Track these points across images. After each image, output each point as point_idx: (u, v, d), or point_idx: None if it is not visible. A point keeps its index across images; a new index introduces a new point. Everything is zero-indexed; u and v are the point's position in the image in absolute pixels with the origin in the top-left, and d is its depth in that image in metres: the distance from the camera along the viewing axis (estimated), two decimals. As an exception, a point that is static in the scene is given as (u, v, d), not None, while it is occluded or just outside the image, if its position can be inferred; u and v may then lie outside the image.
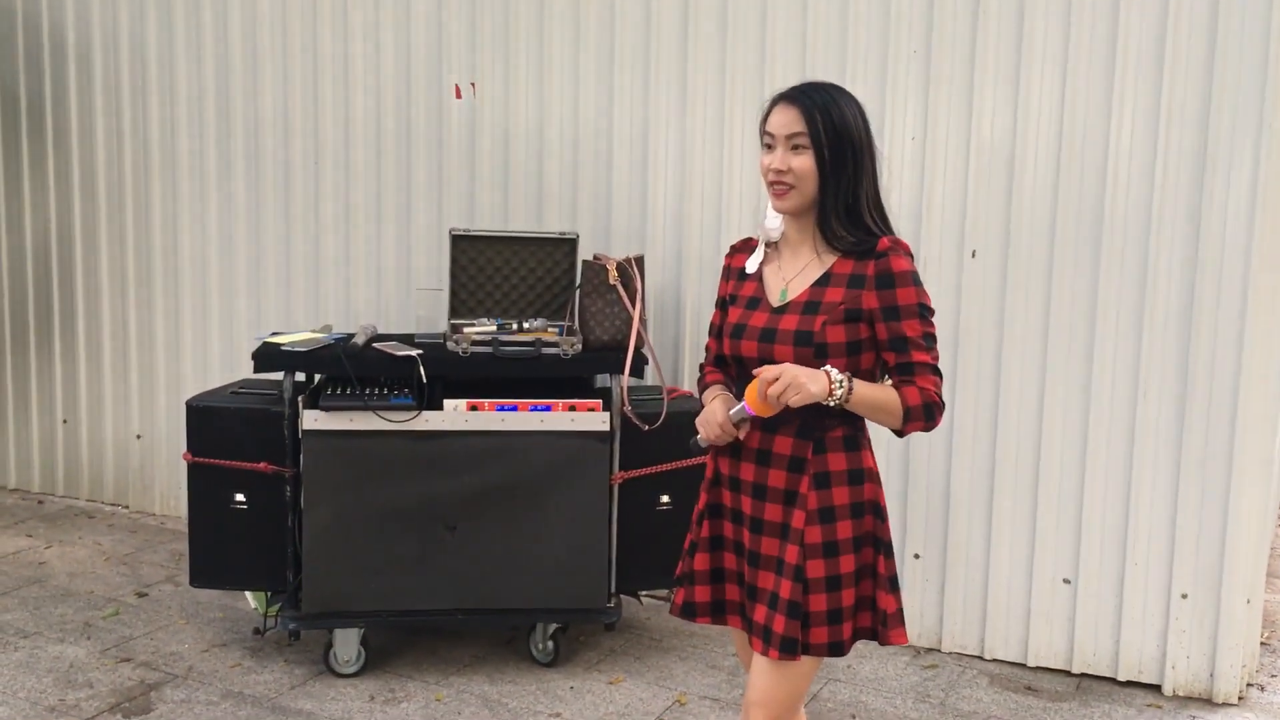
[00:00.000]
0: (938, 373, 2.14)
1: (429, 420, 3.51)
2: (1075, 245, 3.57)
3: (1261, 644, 3.88)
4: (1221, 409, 3.43)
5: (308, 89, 4.67)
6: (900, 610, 2.21)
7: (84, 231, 5.25)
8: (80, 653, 3.75)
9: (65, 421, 5.44)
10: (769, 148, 2.16)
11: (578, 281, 3.86)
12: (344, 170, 4.64)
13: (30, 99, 5.32)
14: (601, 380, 3.88)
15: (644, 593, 3.90)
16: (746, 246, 2.33)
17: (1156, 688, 3.61)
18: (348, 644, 3.59)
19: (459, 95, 4.42)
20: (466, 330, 3.77)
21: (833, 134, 2.11)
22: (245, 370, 4.04)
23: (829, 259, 2.17)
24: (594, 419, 3.55)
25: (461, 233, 3.86)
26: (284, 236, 4.79)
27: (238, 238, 4.89)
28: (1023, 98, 3.59)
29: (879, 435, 2.45)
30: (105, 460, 5.35)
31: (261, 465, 3.56)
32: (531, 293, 3.94)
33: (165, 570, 4.53)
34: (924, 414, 2.11)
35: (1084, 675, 3.71)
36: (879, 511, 2.20)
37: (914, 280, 2.12)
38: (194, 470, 3.63)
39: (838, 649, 2.16)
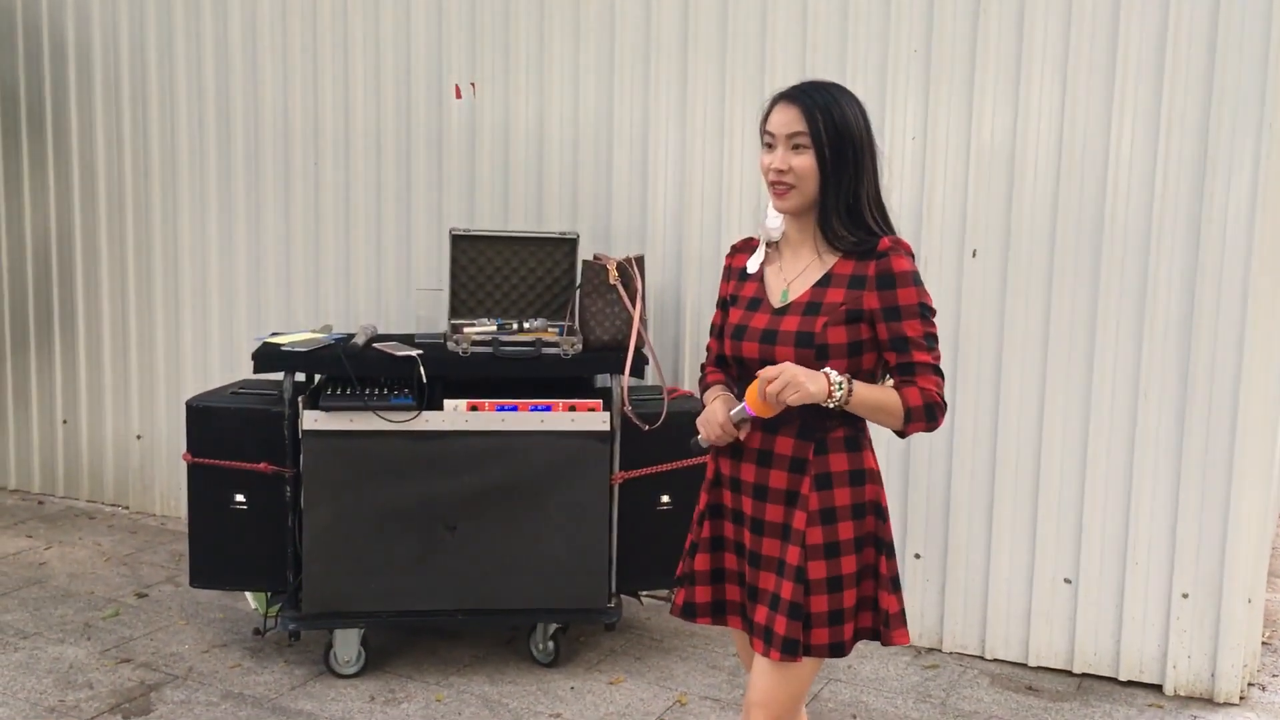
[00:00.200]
0: (939, 373, 2.13)
1: (429, 420, 3.50)
2: (1076, 246, 3.57)
3: (1263, 644, 3.88)
4: (1222, 409, 3.43)
5: (307, 89, 4.67)
6: (902, 610, 2.21)
7: (84, 232, 5.25)
8: (80, 653, 3.75)
9: (65, 422, 5.44)
10: (769, 147, 2.16)
11: (578, 281, 3.86)
12: (344, 170, 4.64)
13: (30, 100, 5.32)
14: (602, 380, 3.88)
15: (644, 593, 3.90)
16: (747, 246, 2.33)
17: (1158, 687, 3.61)
18: (348, 644, 3.59)
19: (459, 95, 4.42)
20: (467, 330, 3.77)
21: (834, 133, 2.10)
22: (245, 370, 4.03)
23: (830, 259, 2.17)
24: (594, 419, 3.54)
25: (462, 233, 3.86)
26: (284, 236, 4.79)
27: (238, 238, 4.89)
28: (1023, 98, 3.59)
29: (879, 435, 2.45)
30: (105, 461, 5.35)
31: (261, 465, 3.56)
32: (532, 293, 3.94)
33: (165, 571, 4.53)
34: (925, 414, 2.10)
35: (1085, 675, 3.70)
36: (880, 512, 2.20)
37: (915, 280, 2.11)
38: (194, 470, 3.62)
39: (839, 650, 2.15)
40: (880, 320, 2.11)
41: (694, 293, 4.14)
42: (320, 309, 4.74)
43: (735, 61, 3.97)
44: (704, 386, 2.35)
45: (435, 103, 4.45)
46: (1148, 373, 3.52)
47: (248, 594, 3.86)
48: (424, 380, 3.54)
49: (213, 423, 3.60)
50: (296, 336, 3.79)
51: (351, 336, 3.81)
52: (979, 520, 3.79)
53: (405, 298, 4.56)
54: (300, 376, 3.64)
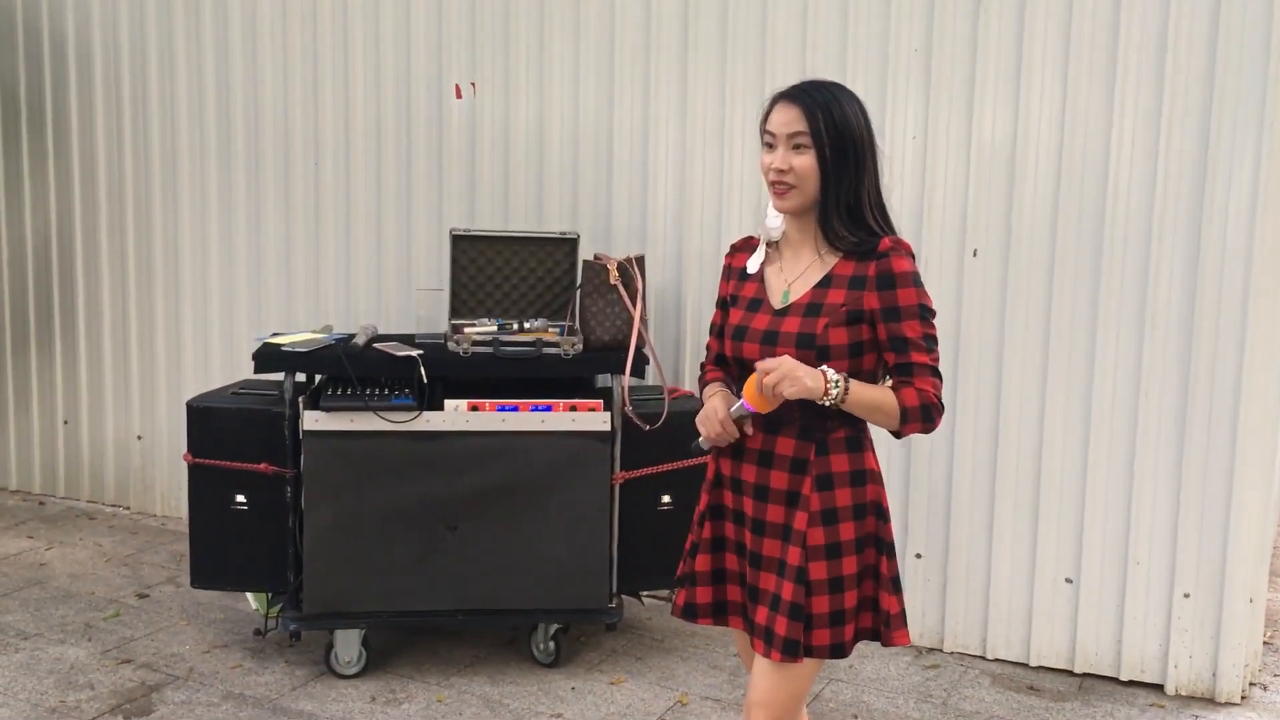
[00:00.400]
0: (937, 374, 2.12)
1: (430, 420, 3.50)
2: (1076, 246, 3.56)
3: (1264, 643, 3.88)
4: (1223, 408, 3.43)
5: (308, 90, 4.67)
6: (903, 611, 2.21)
7: (84, 232, 5.25)
8: (81, 654, 3.75)
9: (66, 422, 5.44)
10: (770, 147, 2.15)
11: (578, 281, 3.86)
12: (344, 170, 4.64)
13: (31, 99, 5.32)
14: (602, 380, 3.88)
15: (645, 593, 3.90)
16: (747, 245, 2.32)
17: (1159, 687, 3.61)
18: (349, 645, 3.58)
19: (459, 95, 4.41)
20: (467, 330, 3.77)
21: (834, 133, 2.09)
22: (246, 371, 4.03)
23: (831, 260, 2.16)
24: (595, 419, 3.54)
25: (462, 233, 3.86)
26: (284, 237, 4.79)
27: (238, 238, 4.89)
28: (1024, 98, 3.58)
29: (880, 435, 2.44)
30: (106, 461, 5.35)
31: (262, 466, 3.56)
32: (532, 293, 3.94)
33: (166, 571, 4.53)
34: (922, 415, 2.10)
35: (1086, 675, 3.70)
36: (881, 512, 2.19)
37: (915, 281, 2.11)
38: (195, 471, 3.62)
39: (839, 650, 2.15)
40: (880, 321, 2.11)
41: (694, 292, 4.14)
42: (321, 309, 4.74)
43: (735, 61, 3.97)
44: (703, 385, 2.34)
45: (435, 103, 4.45)
46: (1148, 372, 3.51)
47: (248, 594, 3.86)
48: (424, 380, 3.54)
49: (213, 423, 3.60)
50: (297, 337, 3.79)
51: (352, 337, 3.81)
52: (980, 520, 3.79)
53: (406, 298, 4.56)
54: (301, 377, 3.63)
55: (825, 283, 2.14)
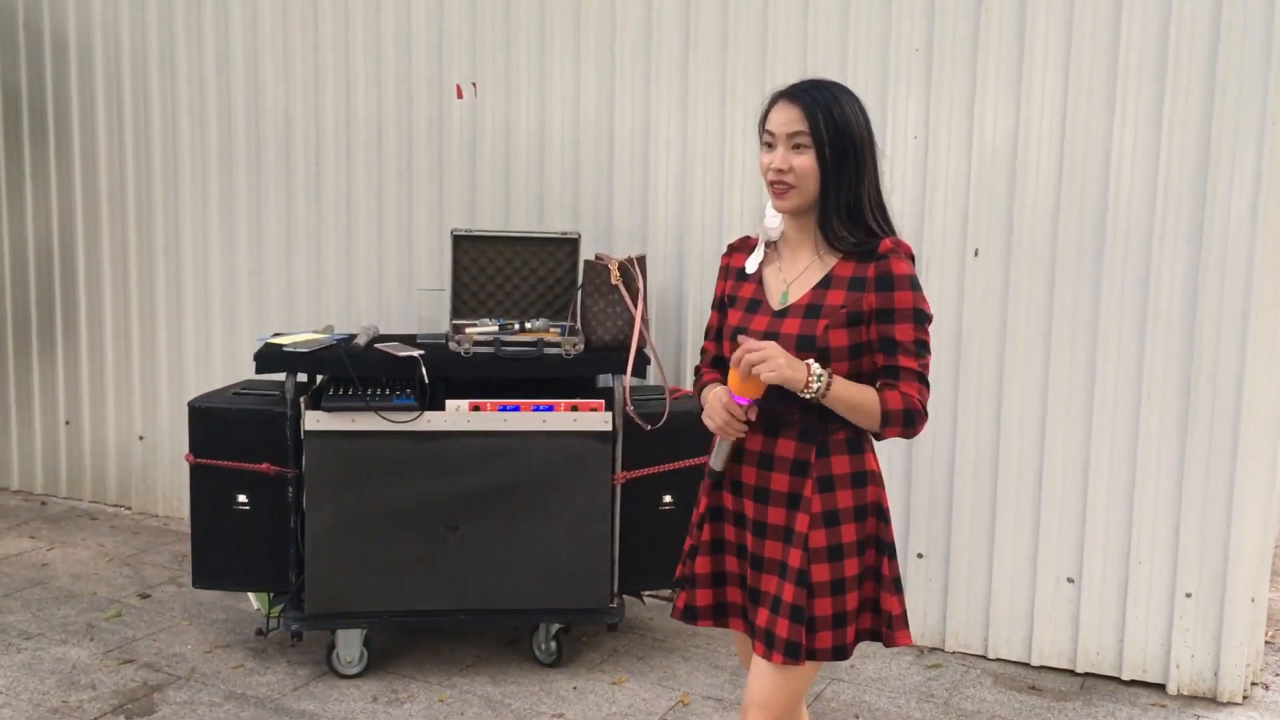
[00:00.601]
0: (924, 381, 2.10)
1: (431, 421, 3.50)
2: (1078, 245, 3.56)
3: (1266, 643, 3.87)
4: (1224, 408, 3.43)
5: (309, 90, 4.67)
6: (904, 612, 2.20)
7: (86, 233, 5.25)
8: (83, 654, 3.75)
9: (68, 423, 5.44)
10: (769, 146, 2.13)
11: (579, 281, 3.86)
12: (345, 171, 4.64)
13: (32, 100, 5.32)
14: (604, 380, 3.88)
15: (647, 593, 3.90)
16: (744, 246, 2.30)
17: (1161, 687, 3.61)
18: (350, 645, 3.59)
19: (460, 95, 4.42)
20: (468, 330, 3.77)
21: (834, 133, 2.08)
22: (247, 371, 4.03)
23: (830, 260, 2.15)
24: (596, 419, 3.54)
25: (463, 233, 3.86)
26: (286, 237, 4.79)
27: (240, 238, 4.89)
28: (1025, 97, 3.58)
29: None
30: (108, 461, 5.36)
31: (264, 466, 3.56)
32: (533, 293, 3.94)
33: (168, 571, 4.53)
34: (903, 420, 2.07)
35: (1088, 674, 3.70)
36: (882, 514, 2.19)
37: (913, 285, 2.09)
38: (196, 471, 3.63)
39: (841, 653, 2.14)
40: (874, 321, 2.09)
41: (696, 292, 4.14)
42: (322, 309, 4.75)
43: (736, 61, 3.97)
44: (699, 389, 2.32)
45: (436, 103, 4.45)
46: (1150, 372, 3.51)
47: (250, 594, 3.87)
48: (426, 381, 3.54)
49: (215, 423, 3.60)
50: (298, 337, 3.79)
51: (353, 337, 3.81)
52: (982, 519, 3.79)
53: (407, 298, 4.56)
54: (302, 377, 3.64)
55: (825, 284, 2.13)
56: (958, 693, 3.59)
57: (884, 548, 2.18)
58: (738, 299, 2.24)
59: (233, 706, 3.41)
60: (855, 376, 2.11)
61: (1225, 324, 3.40)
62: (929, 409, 2.13)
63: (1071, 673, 3.72)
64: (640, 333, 3.68)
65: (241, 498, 3.60)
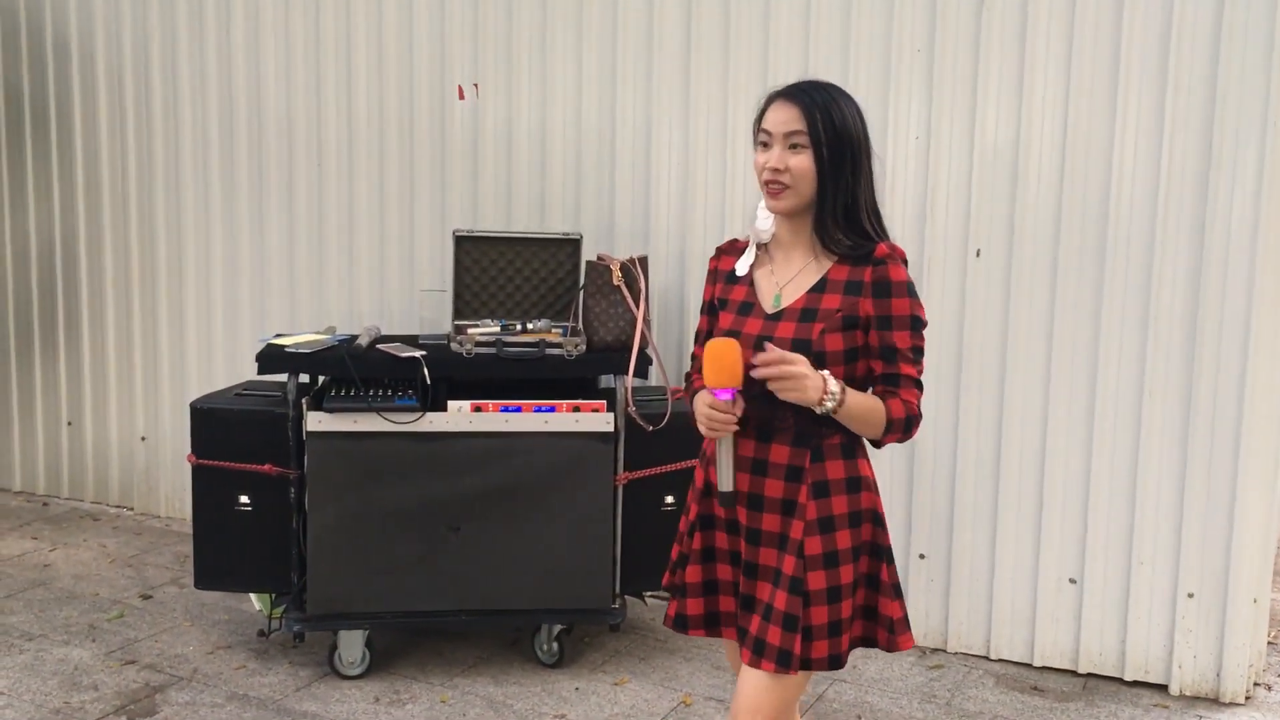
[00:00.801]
0: (920, 386, 2.11)
1: (433, 421, 3.50)
2: (1080, 245, 3.56)
3: (1269, 643, 3.87)
4: (1227, 408, 3.43)
5: (311, 90, 4.67)
6: (905, 616, 2.19)
7: (88, 233, 5.26)
8: (85, 655, 3.75)
9: (70, 424, 5.45)
10: (765, 146, 2.11)
11: (581, 282, 3.86)
12: (347, 171, 4.65)
13: (34, 101, 5.33)
14: (605, 381, 3.88)
15: (648, 594, 3.89)
16: (733, 249, 2.27)
17: (1163, 687, 3.60)
18: (352, 645, 3.59)
19: (462, 96, 4.42)
20: (470, 331, 3.77)
21: (832, 134, 2.06)
22: (249, 372, 4.04)
23: (825, 263, 2.13)
24: (598, 420, 3.54)
25: (465, 234, 3.86)
26: (287, 238, 4.79)
27: (241, 239, 4.89)
28: (1027, 97, 3.58)
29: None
30: (110, 462, 5.36)
31: (266, 467, 3.56)
32: (535, 293, 3.94)
33: (170, 572, 4.53)
34: (904, 426, 2.08)
35: (1090, 675, 3.70)
36: (878, 519, 2.16)
37: (910, 291, 2.08)
38: (198, 472, 3.63)
39: (836, 662, 2.11)
40: (873, 328, 2.08)
41: (697, 293, 4.14)
42: (324, 310, 4.75)
43: (738, 61, 3.97)
44: (691, 394, 2.25)
45: (438, 104, 4.46)
46: (1152, 372, 3.51)
47: (252, 595, 3.87)
48: (428, 381, 3.54)
49: (217, 424, 3.61)
50: (300, 338, 3.80)
51: (355, 338, 3.81)
52: (984, 520, 3.78)
53: (409, 299, 4.57)
54: (304, 378, 3.64)
55: (820, 287, 2.11)
56: (960, 693, 3.59)
57: (882, 553, 2.16)
58: (729, 302, 2.21)
59: (235, 707, 3.41)
60: (849, 381, 2.09)
61: (1227, 324, 3.40)
62: (922, 410, 2.14)
63: (1074, 673, 3.72)
64: (642, 333, 3.69)
65: (244, 498, 3.60)
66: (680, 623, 2.26)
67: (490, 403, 3.53)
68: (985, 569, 3.80)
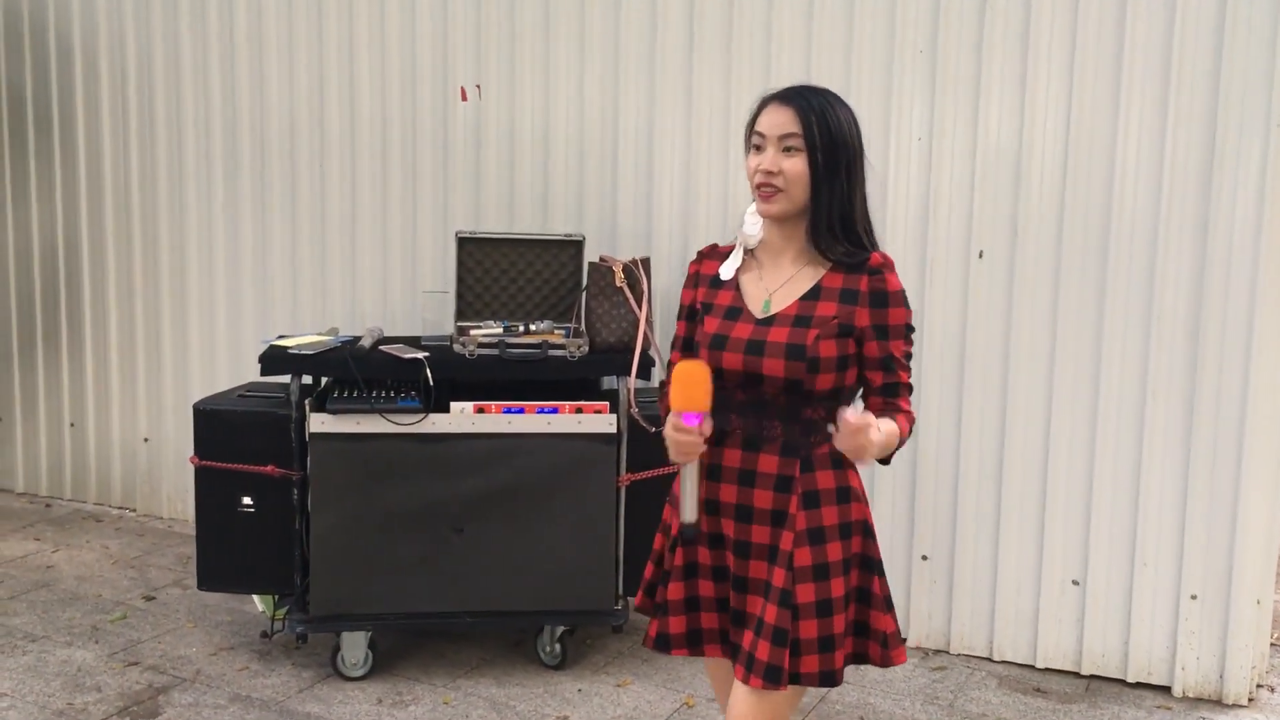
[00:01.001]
0: (911, 389, 2.14)
1: (436, 423, 3.50)
2: (1083, 246, 3.56)
3: (1271, 645, 3.87)
4: (1230, 409, 3.42)
5: (313, 92, 4.68)
6: (898, 629, 2.16)
7: (91, 234, 5.26)
8: (88, 656, 3.75)
9: (72, 425, 5.45)
10: (757, 149, 2.09)
11: (584, 283, 3.86)
12: (350, 173, 4.65)
13: (37, 102, 5.33)
14: (608, 382, 3.87)
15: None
16: (714, 253, 2.24)
17: (1166, 689, 3.60)
18: (355, 647, 3.59)
19: (464, 98, 4.42)
20: (473, 332, 3.77)
21: (827, 138, 2.04)
22: (252, 373, 4.04)
23: (817, 270, 2.10)
24: (601, 421, 3.54)
25: (467, 235, 3.86)
26: (290, 239, 4.79)
27: (244, 241, 4.89)
28: (1029, 98, 3.58)
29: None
30: (112, 464, 5.36)
31: (269, 468, 3.56)
32: (538, 295, 3.94)
33: (173, 573, 4.54)
34: (907, 437, 2.11)
35: (1093, 677, 3.70)
36: (868, 531, 2.13)
37: (904, 301, 2.09)
38: (201, 473, 3.63)
39: (829, 679, 2.07)
40: (870, 338, 2.07)
41: (700, 294, 4.13)
42: (326, 312, 4.75)
43: (740, 62, 3.96)
44: (666, 408, 2.10)
45: (441, 105, 4.46)
46: (1155, 373, 3.51)
47: (255, 597, 3.87)
48: (430, 383, 3.54)
49: (220, 426, 3.61)
50: (303, 339, 3.80)
51: (358, 339, 3.81)
52: (986, 521, 3.78)
53: (411, 300, 4.57)
54: (307, 379, 3.64)
55: (814, 294, 2.09)
56: (963, 695, 3.58)
57: (873, 566, 2.13)
58: (714, 306, 2.18)
59: (238, 709, 3.41)
60: (837, 388, 2.08)
61: (1230, 324, 3.40)
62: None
63: (1076, 675, 3.71)
64: (644, 334, 3.69)
65: (246, 500, 3.60)
66: (662, 642, 2.19)
67: (493, 404, 3.53)
68: (988, 570, 3.80)
